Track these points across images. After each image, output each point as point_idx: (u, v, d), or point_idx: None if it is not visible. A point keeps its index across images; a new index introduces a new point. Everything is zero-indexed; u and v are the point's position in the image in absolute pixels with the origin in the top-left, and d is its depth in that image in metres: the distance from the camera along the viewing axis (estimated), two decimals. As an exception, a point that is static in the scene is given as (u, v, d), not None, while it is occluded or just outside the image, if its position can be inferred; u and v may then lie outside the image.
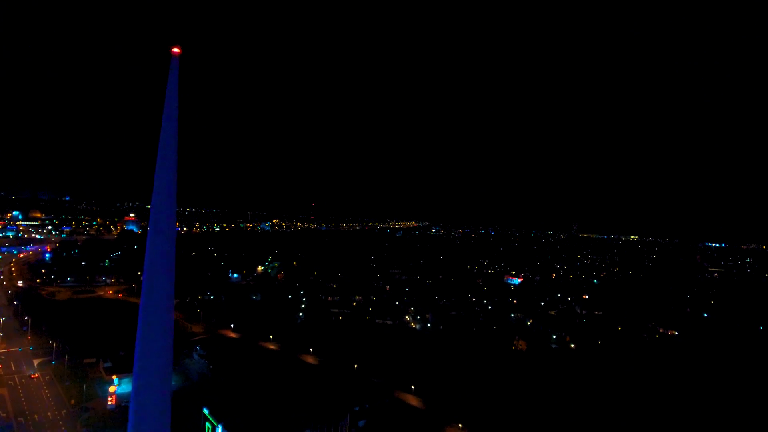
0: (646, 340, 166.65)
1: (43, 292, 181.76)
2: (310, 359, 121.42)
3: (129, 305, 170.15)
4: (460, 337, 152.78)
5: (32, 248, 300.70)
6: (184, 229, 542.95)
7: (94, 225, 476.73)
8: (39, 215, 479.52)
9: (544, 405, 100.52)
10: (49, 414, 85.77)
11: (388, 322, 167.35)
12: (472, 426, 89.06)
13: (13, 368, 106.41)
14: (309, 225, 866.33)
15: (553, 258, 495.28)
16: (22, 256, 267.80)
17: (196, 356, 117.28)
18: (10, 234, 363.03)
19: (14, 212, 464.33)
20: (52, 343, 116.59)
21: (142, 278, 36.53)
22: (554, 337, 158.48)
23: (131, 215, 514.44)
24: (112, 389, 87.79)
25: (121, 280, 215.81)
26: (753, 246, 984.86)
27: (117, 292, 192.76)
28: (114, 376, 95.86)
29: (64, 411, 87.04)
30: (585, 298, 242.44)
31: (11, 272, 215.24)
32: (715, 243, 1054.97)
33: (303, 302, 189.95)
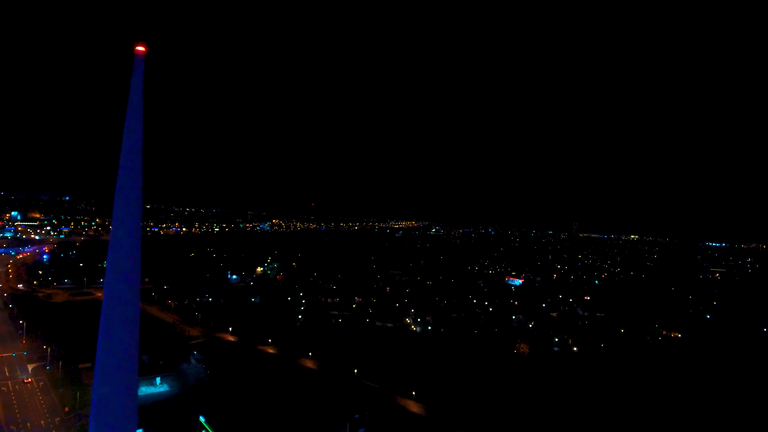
0: (649, 342, 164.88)
1: (40, 295, 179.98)
2: (310, 363, 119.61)
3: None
4: (461, 340, 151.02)
5: (30, 249, 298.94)
6: (184, 229, 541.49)
7: (93, 225, 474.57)
8: (38, 215, 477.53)
9: (548, 411, 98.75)
10: (42, 422, 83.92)
11: (389, 325, 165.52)
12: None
13: (7, 374, 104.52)
14: (309, 225, 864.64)
15: (554, 258, 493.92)
16: (19, 257, 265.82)
17: (193, 361, 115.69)
18: (8, 235, 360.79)
19: (13, 213, 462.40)
20: (47, 348, 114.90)
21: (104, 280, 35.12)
22: (556, 339, 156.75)
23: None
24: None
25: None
26: (753, 245, 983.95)
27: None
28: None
29: (58, 418, 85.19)
30: (587, 300, 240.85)
31: (8, 274, 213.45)
32: (716, 243, 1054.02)
33: (302, 304, 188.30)
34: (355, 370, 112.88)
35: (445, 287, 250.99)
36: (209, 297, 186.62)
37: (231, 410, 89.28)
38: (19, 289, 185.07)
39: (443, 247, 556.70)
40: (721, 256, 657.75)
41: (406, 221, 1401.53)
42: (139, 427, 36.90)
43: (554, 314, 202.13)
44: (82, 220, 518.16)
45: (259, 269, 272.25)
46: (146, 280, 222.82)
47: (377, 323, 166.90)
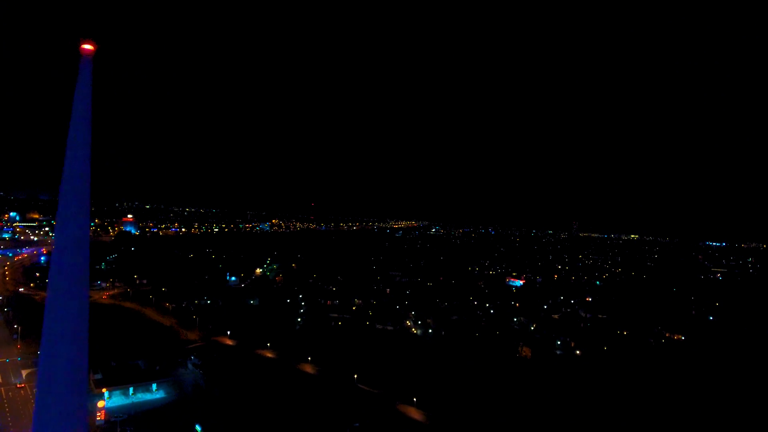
0: (653, 345, 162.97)
1: (37, 297, 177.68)
2: (309, 368, 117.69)
3: (123, 310, 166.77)
4: (462, 343, 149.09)
5: (28, 250, 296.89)
6: (183, 230, 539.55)
7: (92, 226, 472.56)
8: (37, 216, 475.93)
9: (552, 417, 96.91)
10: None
11: (389, 328, 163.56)
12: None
13: (0, 379, 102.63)
14: (308, 225, 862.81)
15: (554, 258, 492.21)
16: (17, 259, 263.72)
17: (190, 366, 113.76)
18: (6, 236, 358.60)
19: (11, 213, 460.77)
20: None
21: (47, 281, 33.39)
22: (558, 342, 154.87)
23: (129, 216, 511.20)
24: (100, 404, 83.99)
25: (117, 284, 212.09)
26: (753, 245, 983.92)
27: (112, 296, 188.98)
28: (104, 389, 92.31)
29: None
30: (588, 301, 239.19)
31: (4, 276, 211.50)
32: (716, 242, 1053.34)
33: (302, 307, 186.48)
34: (355, 375, 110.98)
35: (445, 289, 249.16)
36: (208, 299, 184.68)
37: (228, 419, 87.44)
38: (15, 292, 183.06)
39: (443, 247, 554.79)
40: (721, 256, 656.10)
41: (406, 221, 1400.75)
42: None
43: (556, 316, 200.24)
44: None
45: (259, 270, 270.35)
46: (144, 281, 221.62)
47: (377, 326, 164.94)
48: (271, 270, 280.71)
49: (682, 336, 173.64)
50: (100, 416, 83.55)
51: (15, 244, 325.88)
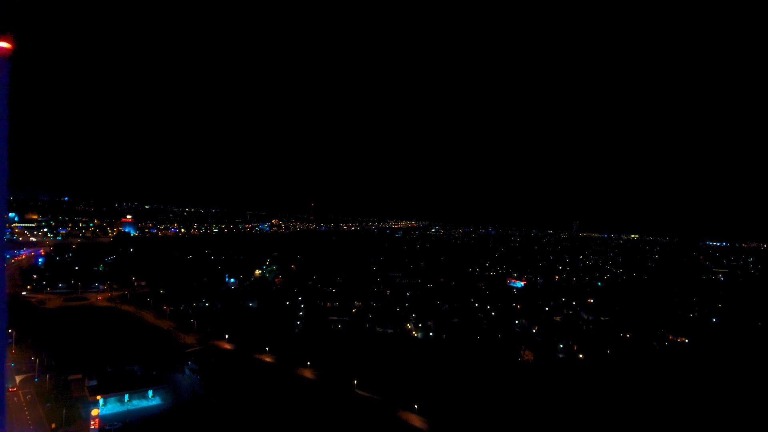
0: (656, 348, 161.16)
1: (33, 300, 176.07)
2: (308, 373, 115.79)
3: (121, 314, 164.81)
4: (463, 347, 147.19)
5: (26, 252, 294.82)
6: (182, 230, 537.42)
7: (91, 227, 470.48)
8: (35, 217, 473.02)
9: (556, 424, 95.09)
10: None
11: (389, 331, 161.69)
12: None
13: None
14: (308, 225, 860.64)
15: (555, 258, 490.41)
16: (14, 260, 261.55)
17: (187, 371, 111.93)
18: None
19: (10, 214, 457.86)
20: (37, 358, 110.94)
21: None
22: (561, 346, 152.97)
23: (128, 217, 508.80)
24: (95, 412, 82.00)
25: (115, 286, 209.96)
26: (754, 245, 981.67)
27: (109, 299, 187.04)
28: (98, 397, 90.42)
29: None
30: (590, 303, 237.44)
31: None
32: (716, 242, 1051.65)
33: (301, 309, 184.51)
34: (355, 381, 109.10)
35: (446, 290, 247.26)
36: (206, 302, 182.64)
37: (225, 426, 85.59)
38: (11, 294, 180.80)
39: (443, 247, 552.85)
40: (722, 256, 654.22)
41: (406, 221, 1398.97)
42: None
43: (558, 318, 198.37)
44: (80, 221, 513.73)
45: (258, 272, 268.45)
46: (142, 283, 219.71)
47: (378, 329, 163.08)
48: (270, 271, 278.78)
49: (686, 339, 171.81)
50: (94, 425, 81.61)
51: (13, 245, 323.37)
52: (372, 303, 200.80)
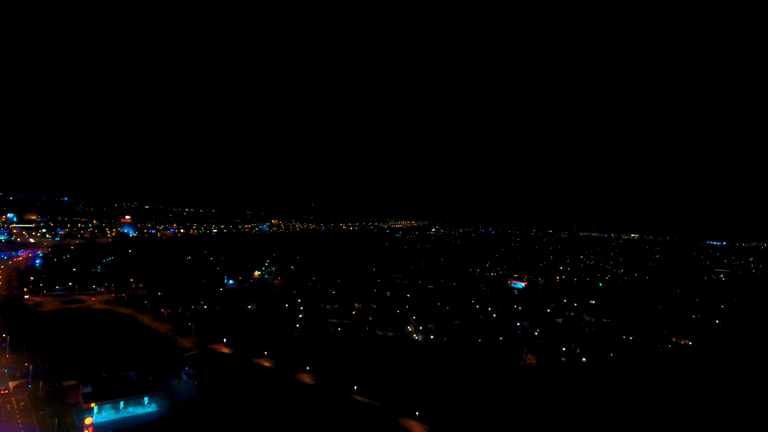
0: (660, 351, 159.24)
1: (29, 303, 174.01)
2: (307, 378, 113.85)
3: (118, 316, 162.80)
4: (465, 350, 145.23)
5: (23, 253, 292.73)
6: (181, 231, 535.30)
7: (90, 227, 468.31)
8: (34, 217, 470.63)
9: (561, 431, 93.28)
10: (19, 448, 78.36)
11: (389, 334, 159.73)
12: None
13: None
14: (308, 225, 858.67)
15: (556, 258, 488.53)
16: (11, 262, 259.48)
17: (184, 377, 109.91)
18: (2, 238, 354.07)
19: (9, 214, 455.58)
20: (32, 363, 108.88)
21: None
22: (564, 349, 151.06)
23: (127, 217, 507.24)
24: (88, 421, 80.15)
25: (113, 288, 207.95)
26: (754, 244, 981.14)
27: (107, 301, 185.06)
28: (93, 404, 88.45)
29: (37, 444, 79.68)
30: (592, 304, 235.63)
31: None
32: (716, 241, 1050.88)
33: (300, 312, 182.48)
34: (355, 387, 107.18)
35: (446, 291, 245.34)
36: (204, 304, 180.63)
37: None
38: (7, 297, 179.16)
39: (444, 247, 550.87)
40: (723, 255, 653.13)
41: (405, 221, 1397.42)
42: None
43: (560, 320, 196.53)
44: (79, 221, 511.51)
45: (257, 273, 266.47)
46: (140, 285, 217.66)
47: (378, 332, 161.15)
48: (269, 272, 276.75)
49: (689, 341, 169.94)
50: (88, 433, 79.84)
51: (11, 246, 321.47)
52: (372, 305, 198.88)
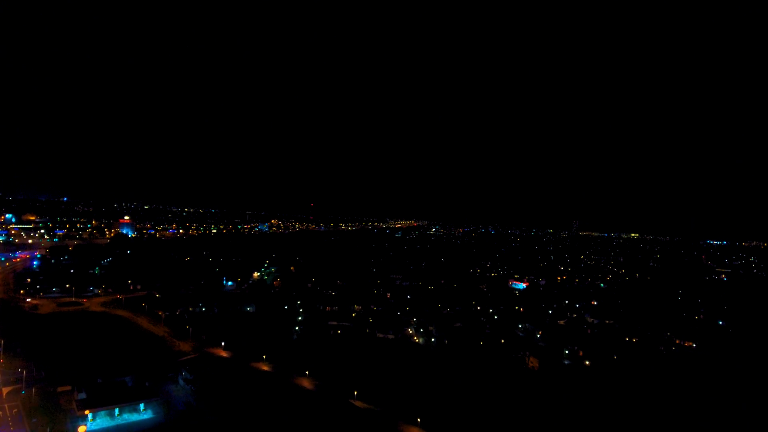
0: (664, 353, 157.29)
1: (25, 305, 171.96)
2: (306, 383, 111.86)
3: (115, 319, 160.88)
4: (467, 353, 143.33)
5: (21, 254, 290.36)
6: (181, 231, 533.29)
7: (89, 228, 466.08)
8: (33, 218, 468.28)
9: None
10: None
11: (390, 336, 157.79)
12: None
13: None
14: (308, 225, 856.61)
15: (556, 258, 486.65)
16: (8, 264, 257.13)
17: (181, 382, 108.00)
18: (0, 239, 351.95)
19: (7, 215, 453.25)
20: (25, 368, 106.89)
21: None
22: (566, 351, 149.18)
23: (126, 218, 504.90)
24: (81, 429, 78.32)
25: (110, 290, 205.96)
26: (754, 243, 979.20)
27: (104, 303, 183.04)
28: (87, 411, 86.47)
29: (29, 454, 77.65)
30: (594, 305, 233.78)
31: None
32: (716, 241, 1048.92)
33: (300, 314, 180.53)
34: (355, 392, 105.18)
35: (447, 292, 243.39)
36: (202, 306, 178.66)
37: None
38: (3, 299, 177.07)
39: (444, 247, 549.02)
40: (723, 255, 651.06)
41: (405, 221, 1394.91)
42: None
43: (562, 322, 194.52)
44: (79, 222, 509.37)
45: (256, 274, 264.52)
46: (138, 287, 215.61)
47: (378, 334, 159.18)
48: (268, 274, 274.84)
49: (693, 343, 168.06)
50: (81, 442, 77.87)
51: (9, 247, 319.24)
52: (372, 307, 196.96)
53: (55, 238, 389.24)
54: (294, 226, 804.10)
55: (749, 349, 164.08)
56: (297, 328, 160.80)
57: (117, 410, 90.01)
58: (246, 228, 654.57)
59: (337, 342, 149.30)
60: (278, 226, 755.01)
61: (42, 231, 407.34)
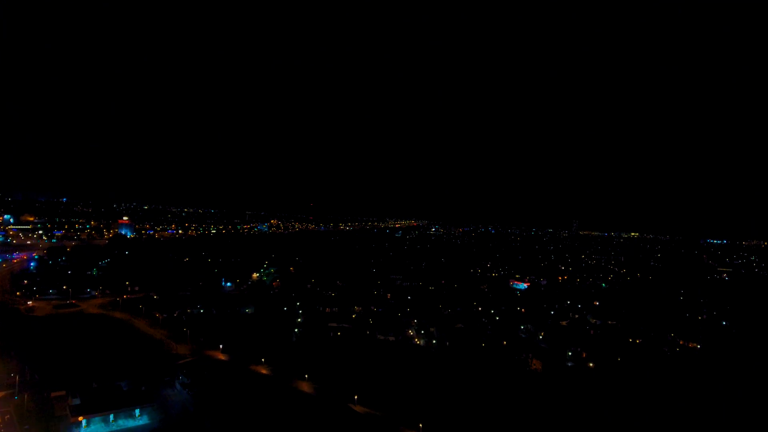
0: (668, 354, 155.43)
1: (22, 308, 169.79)
2: (305, 387, 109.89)
3: (112, 322, 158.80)
4: (468, 355, 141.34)
5: (18, 255, 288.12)
6: (180, 231, 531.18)
7: (87, 229, 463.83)
8: (32, 218, 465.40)
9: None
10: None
11: (390, 338, 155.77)
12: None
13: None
14: (308, 225, 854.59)
15: (557, 258, 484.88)
16: (5, 265, 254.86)
17: (178, 386, 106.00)
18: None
19: (6, 216, 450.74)
20: (19, 372, 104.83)
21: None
22: (569, 353, 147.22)
23: (125, 218, 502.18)
24: (75, 437, 76.25)
25: (108, 292, 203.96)
26: (754, 242, 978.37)
27: (101, 305, 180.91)
28: (81, 418, 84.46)
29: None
30: (596, 305, 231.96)
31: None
32: (717, 240, 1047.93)
33: (299, 315, 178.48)
34: (356, 396, 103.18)
35: (448, 293, 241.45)
36: (201, 308, 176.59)
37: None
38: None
39: (444, 247, 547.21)
40: (724, 254, 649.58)
41: (405, 221, 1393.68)
42: None
43: (564, 323, 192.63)
44: (77, 222, 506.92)
45: (255, 275, 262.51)
46: (136, 288, 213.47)
47: (379, 336, 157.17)
48: (268, 274, 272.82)
49: (697, 344, 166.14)
50: (74, 450, 75.85)
51: (6, 248, 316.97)
52: (372, 308, 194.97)
53: (54, 238, 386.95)
54: (293, 226, 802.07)
55: (754, 350, 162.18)
56: (296, 329, 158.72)
57: (112, 416, 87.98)
58: (245, 228, 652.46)
59: (336, 344, 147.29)
60: (278, 227, 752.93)
61: (40, 232, 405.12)
